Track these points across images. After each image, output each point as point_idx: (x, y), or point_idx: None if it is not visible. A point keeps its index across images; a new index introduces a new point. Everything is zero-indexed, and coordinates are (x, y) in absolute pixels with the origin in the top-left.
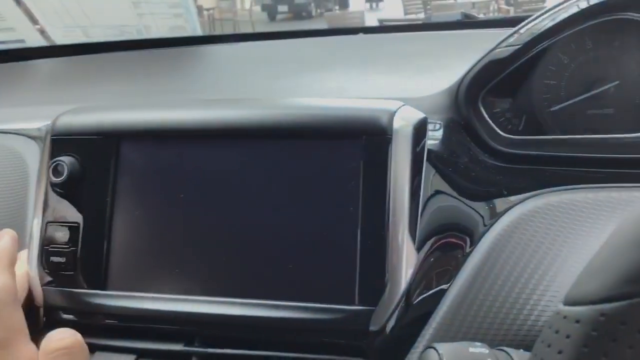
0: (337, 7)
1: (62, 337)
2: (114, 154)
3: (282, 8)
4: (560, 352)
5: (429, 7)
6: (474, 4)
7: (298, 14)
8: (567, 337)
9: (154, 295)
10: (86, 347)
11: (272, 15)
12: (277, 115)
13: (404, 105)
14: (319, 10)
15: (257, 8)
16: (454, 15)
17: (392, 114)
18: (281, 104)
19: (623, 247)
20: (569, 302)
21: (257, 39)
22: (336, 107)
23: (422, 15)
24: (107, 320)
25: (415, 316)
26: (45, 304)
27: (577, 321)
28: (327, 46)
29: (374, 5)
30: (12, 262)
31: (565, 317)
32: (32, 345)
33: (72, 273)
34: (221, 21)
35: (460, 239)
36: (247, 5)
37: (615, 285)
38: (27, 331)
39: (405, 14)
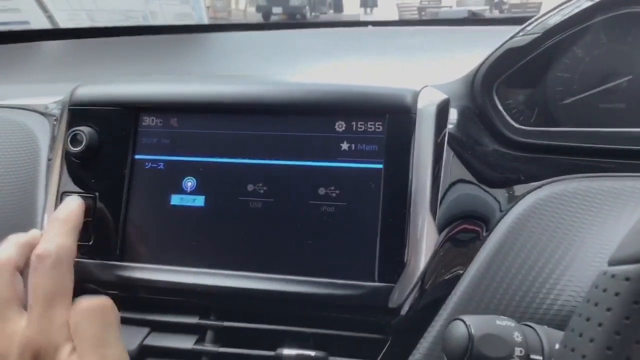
0: (331, 11)
1: (93, 299)
2: (133, 126)
3: (277, 10)
4: (609, 310)
5: (424, 13)
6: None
7: (292, 16)
8: (616, 294)
9: (169, 267)
10: (116, 308)
11: (266, 16)
12: (301, 92)
13: (427, 86)
14: (313, 14)
15: (252, 9)
16: (461, 12)
17: (417, 94)
18: (306, 82)
19: None
20: (616, 262)
21: (266, 29)
22: (360, 86)
23: None
24: (121, 292)
25: (433, 295)
26: None
27: (627, 279)
28: (337, 37)
29: (368, 10)
30: (77, 227)
31: (613, 275)
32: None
33: (88, 244)
34: (215, 20)
35: (476, 225)
36: (242, 6)
37: None
38: (71, 295)
39: (400, 19)
